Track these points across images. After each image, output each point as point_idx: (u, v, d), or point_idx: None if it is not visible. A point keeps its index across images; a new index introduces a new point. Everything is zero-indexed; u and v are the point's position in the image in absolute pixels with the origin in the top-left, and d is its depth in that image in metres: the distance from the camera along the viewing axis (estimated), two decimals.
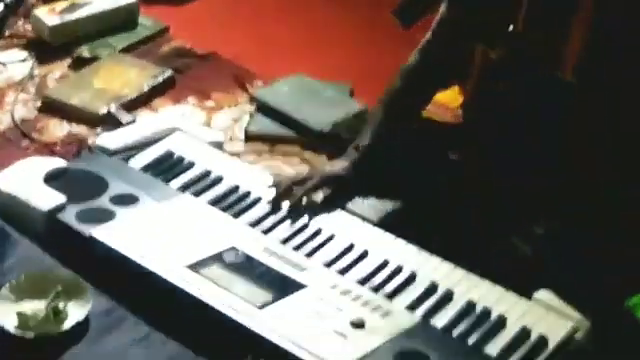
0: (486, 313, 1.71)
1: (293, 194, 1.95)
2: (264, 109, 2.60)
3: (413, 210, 2.03)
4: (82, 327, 1.67)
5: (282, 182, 1.98)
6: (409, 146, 2.07)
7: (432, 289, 1.77)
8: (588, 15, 1.74)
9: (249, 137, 2.51)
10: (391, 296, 1.75)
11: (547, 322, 1.68)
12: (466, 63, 2.01)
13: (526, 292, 1.73)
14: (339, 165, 2.00)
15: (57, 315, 1.68)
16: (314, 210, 1.95)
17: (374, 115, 2.05)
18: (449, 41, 1.85)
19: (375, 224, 1.96)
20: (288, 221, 1.94)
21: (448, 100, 2.11)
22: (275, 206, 1.95)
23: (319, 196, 1.98)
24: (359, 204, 2.04)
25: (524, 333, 1.67)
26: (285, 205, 1.96)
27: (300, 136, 2.51)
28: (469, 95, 2.04)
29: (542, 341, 1.65)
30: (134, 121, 2.49)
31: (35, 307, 1.70)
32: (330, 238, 1.90)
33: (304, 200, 1.95)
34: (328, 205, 1.97)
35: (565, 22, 1.77)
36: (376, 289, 1.77)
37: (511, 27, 1.80)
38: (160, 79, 2.73)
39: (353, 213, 1.99)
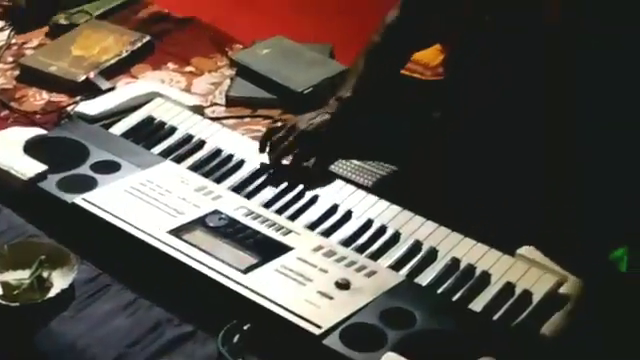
0: (470, 270, 1.72)
1: (275, 152, 1.94)
2: (244, 73, 2.59)
3: (395, 171, 2.04)
4: (67, 295, 1.67)
5: (268, 138, 1.97)
6: (390, 103, 2.07)
7: (416, 248, 1.78)
8: None
9: (230, 101, 2.51)
10: (375, 256, 1.76)
11: (531, 277, 1.69)
12: (446, 19, 2.00)
13: (509, 249, 1.74)
14: (319, 118, 1.98)
15: (42, 284, 1.68)
16: (302, 176, 1.94)
17: (355, 67, 2.03)
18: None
19: (358, 185, 1.96)
20: (271, 185, 1.93)
21: (429, 58, 2.10)
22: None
23: (310, 162, 1.97)
24: (342, 165, 2.04)
25: (508, 288, 1.68)
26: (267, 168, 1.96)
27: (281, 99, 2.50)
28: (450, 53, 2.04)
29: (526, 296, 1.66)
30: (114, 88, 2.49)
31: (19, 277, 1.70)
32: (313, 200, 1.90)
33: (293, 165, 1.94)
34: (317, 169, 1.96)
35: None
36: (360, 250, 1.77)
37: None
38: (138, 45, 2.71)
39: (336, 174, 1.99)
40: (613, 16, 1.72)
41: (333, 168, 2.06)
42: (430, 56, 2.10)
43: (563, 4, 1.75)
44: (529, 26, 1.77)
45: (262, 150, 1.98)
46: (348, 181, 1.97)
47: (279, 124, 2.02)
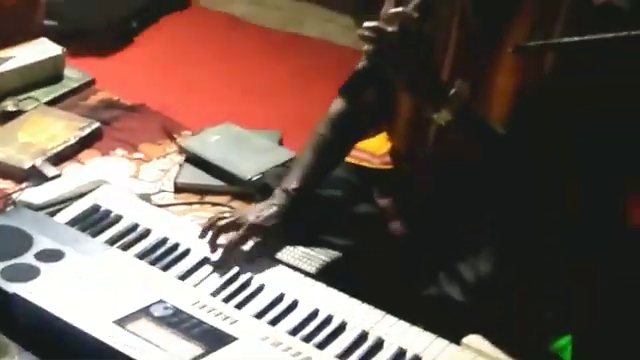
0: None
1: (223, 245, 1.94)
2: (193, 159, 2.60)
3: (343, 257, 2.04)
4: None
5: (211, 229, 1.97)
6: (336, 192, 2.08)
7: (362, 338, 1.77)
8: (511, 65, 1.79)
9: (178, 188, 2.51)
10: (322, 346, 1.75)
11: None
12: (391, 109, 2.03)
13: (456, 338, 1.74)
14: (267, 210, 1.99)
15: None
16: (243, 261, 1.93)
17: (301, 159, 2.05)
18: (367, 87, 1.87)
19: (305, 273, 1.96)
20: (217, 273, 1.92)
21: (375, 147, 2.12)
22: (205, 258, 1.94)
23: (248, 245, 1.97)
24: (288, 252, 2.04)
25: None
26: (214, 256, 1.95)
27: (229, 186, 2.51)
28: (397, 142, 2.06)
29: None
30: (60, 175, 2.47)
31: None
32: (260, 288, 1.89)
33: (233, 250, 1.94)
34: (257, 254, 1.96)
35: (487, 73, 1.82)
36: (307, 339, 1.76)
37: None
38: (87, 131, 2.72)
39: (283, 262, 1.99)
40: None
41: (279, 255, 2.06)
42: (377, 144, 2.12)
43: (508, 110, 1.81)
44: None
45: (202, 236, 1.97)
46: (295, 268, 1.97)
47: (226, 215, 2.02)
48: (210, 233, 1.95)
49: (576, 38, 1.61)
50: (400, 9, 1.74)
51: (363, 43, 1.74)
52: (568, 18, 1.77)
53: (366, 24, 1.71)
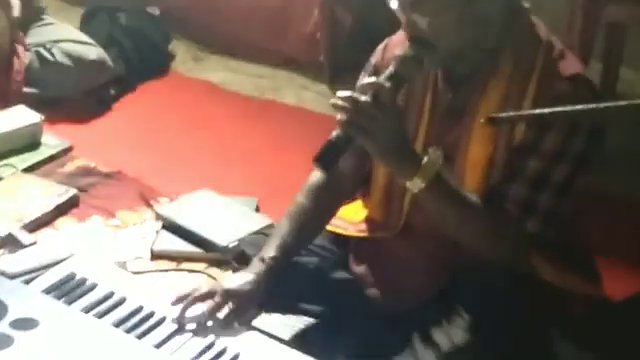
0: None
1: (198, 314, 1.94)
2: (170, 226, 2.61)
3: (319, 326, 2.05)
4: None
5: (186, 298, 1.97)
6: (312, 259, 2.09)
7: None
8: None
9: (155, 255, 2.51)
10: None
11: None
12: (367, 177, 2.06)
13: None
14: (244, 278, 1.99)
15: None
16: (219, 328, 1.93)
17: (280, 227, 2.07)
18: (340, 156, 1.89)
19: (282, 341, 1.96)
20: (194, 340, 1.92)
21: (351, 214, 2.14)
22: (180, 325, 1.94)
23: (223, 312, 1.97)
24: (264, 319, 2.05)
25: None
26: (190, 325, 1.95)
27: (206, 253, 2.52)
28: (373, 211, 2.09)
29: None
30: (36, 242, 2.47)
31: None
32: (236, 357, 1.89)
33: (209, 318, 1.94)
34: (233, 322, 1.96)
35: None
36: None
37: None
38: (64, 198, 2.72)
39: (259, 330, 1.99)
40: None
41: (255, 322, 2.06)
42: (353, 212, 2.14)
43: None
44: None
45: (177, 303, 1.97)
46: (270, 335, 1.97)
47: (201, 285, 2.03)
48: (185, 302, 1.95)
49: (547, 110, 1.64)
50: (373, 79, 1.77)
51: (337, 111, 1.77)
52: (538, 89, 1.81)
53: (339, 93, 1.75)
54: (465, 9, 1.77)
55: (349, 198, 2.17)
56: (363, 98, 1.72)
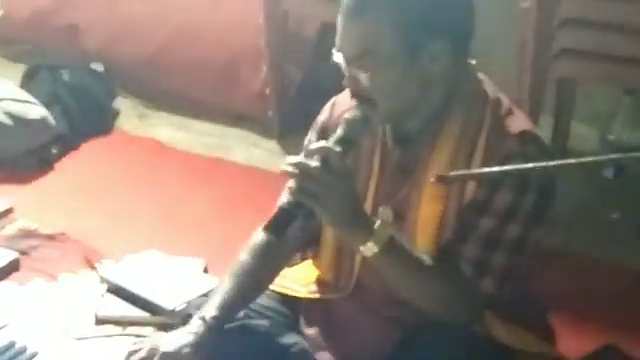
0: None
1: None
2: (115, 289, 2.59)
3: None
4: None
5: None
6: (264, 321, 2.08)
7: None
8: None
9: (99, 320, 2.48)
10: None
11: None
12: (316, 239, 2.07)
13: None
14: (182, 341, 1.97)
15: None
16: None
17: (222, 285, 2.05)
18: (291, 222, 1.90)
19: None
20: None
21: (302, 276, 2.14)
22: None
23: None
24: None
25: None
26: None
27: (153, 317, 2.50)
28: (323, 272, 2.09)
29: None
30: None
31: None
32: None
33: None
34: None
35: None
36: None
37: None
38: (4, 262, 2.69)
39: None
40: None
41: None
42: (303, 273, 2.14)
43: None
44: None
45: None
46: None
47: (140, 346, 2.00)
48: None
49: (497, 168, 1.67)
50: (322, 143, 1.78)
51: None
52: (487, 146, 1.83)
53: (289, 159, 1.75)
54: (407, 66, 1.79)
55: (294, 257, 2.17)
56: (313, 164, 1.73)
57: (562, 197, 1.93)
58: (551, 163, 1.57)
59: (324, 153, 1.74)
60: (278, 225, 1.76)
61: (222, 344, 1.96)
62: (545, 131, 3.30)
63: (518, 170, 1.65)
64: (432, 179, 1.73)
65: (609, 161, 1.50)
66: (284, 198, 1.77)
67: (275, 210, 1.76)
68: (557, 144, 3.34)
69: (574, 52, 3.03)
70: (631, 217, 2.88)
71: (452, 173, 1.76)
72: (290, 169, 1.73)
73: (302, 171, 1.73)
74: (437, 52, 1.80)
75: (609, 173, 3.15)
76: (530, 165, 1.60)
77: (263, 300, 2.09)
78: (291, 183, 1.74)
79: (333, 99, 2.04)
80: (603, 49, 2.97)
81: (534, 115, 3.08)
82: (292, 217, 1.76)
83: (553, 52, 3.04)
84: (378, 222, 1.79)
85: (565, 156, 1.60)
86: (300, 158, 1.75)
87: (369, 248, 1.78)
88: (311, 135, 2.02)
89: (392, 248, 1.79)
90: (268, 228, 1.75)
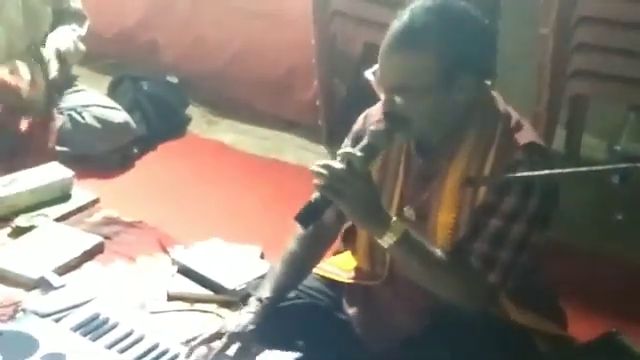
0: None
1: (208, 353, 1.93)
2: (184, 271, 2.61)
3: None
4: None
5: (195, 341, 1.96)
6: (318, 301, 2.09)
7: None
8: None
9: (170, 297, 2.51)
10: None
11: None
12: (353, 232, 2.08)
13: None
14: (244, 319, 1.99)
15: None
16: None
17: (273, 271, 2.08)
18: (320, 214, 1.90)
19: None
20: None
21: (343, 263, 2.15)
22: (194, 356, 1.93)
23: (232, 351, 1.96)
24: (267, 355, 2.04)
25: None
26: None
27: (216, 295, 2.52)
28: (360, 262, 2.09)
29: None
30: (65, 285, 2.47)
31: None
32: None
33: (218, 357, 1.93)
34: (240, 358, 1.95)
35: None
36: None
37: None
38: (90, 245, 2.72)
39: None
40: None
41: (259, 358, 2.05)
42: (344, 261, 2.15)
43: None
44: None
45: (187, 343, 1.97)
46: None
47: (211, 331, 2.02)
48: (194, 343, 1.95)
49: (519, 174, 1.66)
50: (349, 149, 1.81)
51: None
52: (497, 157, 1.84)
53: (317, 162, 1.78)
54: (440, 96, 1.80)
55: (332, 244, 2.19)
56: (338, 165, 1.75)
57: (574, 199, 1.91)
58: (565, 170, 1.56)
59: (349, 157, 1.77)
60: (306, 216, 1.78)
61: (289, 319, 1.98)
62: (559, 142, 3.28)
63: (533, 176, 1.64)
64: (462, 181, 1.74)
65: (616, 169, 1.48)
66: (314, 194, 1.79)
67: (305, 203, 1.78)
68: (570, 153, 3.32)
69: (587, 73, 3.01)
70: (634, 218, 2.85)
71: (479, 177, 1.76)
72: (317, 169, 1.76)
73: (328, 171, 1.75)
74: (466, 85, 1.80)
75: (616, 179, 3.11)
76: (546, 172, 1.61)
77: (311, 282, 2.11)
78: (318, 181, 1.76)
79: (366, 111, 2.05)
80: (612, 71, 2.95)
81: (550, 127, 3.07)
82: (319, 210, 1.79)
83: (568, 73, 3.02)
84: (394, 217, 1.79)
85: (577, 164, 1.58)
86: (328, 161, 1.77)
87: (386, 240, 1.79)
88: (346, 141, 2.04)
89: (407, 240, 1.80)
90: (297, 218, 1.77)
